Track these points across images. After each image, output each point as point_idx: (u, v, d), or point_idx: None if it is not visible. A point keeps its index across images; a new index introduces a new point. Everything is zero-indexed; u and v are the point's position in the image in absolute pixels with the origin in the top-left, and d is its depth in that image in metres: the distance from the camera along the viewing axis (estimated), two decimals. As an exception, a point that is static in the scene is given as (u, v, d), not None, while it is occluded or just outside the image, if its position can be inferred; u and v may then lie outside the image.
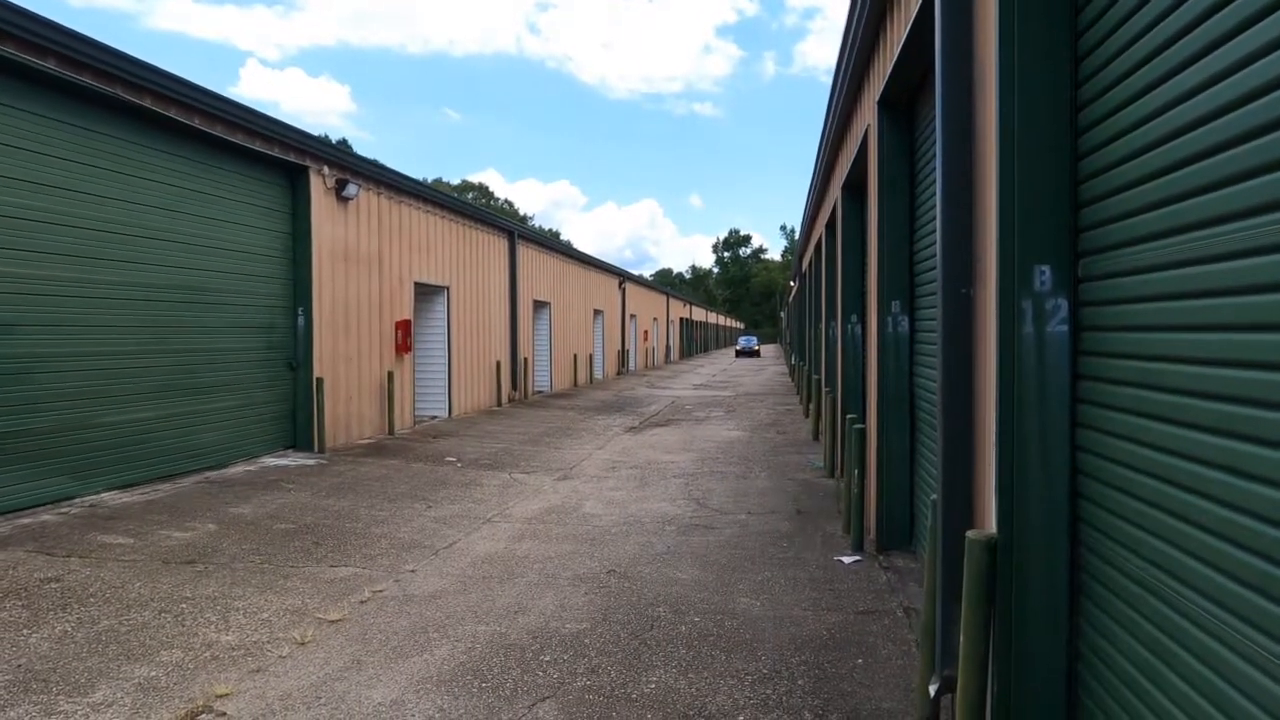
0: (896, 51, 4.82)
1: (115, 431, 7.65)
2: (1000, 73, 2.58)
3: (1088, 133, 2.45)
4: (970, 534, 2.60)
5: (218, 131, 8.69)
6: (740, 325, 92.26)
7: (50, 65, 6.72)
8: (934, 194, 4.83)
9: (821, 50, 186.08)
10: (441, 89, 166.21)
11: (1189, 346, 1.87)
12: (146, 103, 7.70)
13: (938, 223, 3.10)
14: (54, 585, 4.89)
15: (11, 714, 3.31)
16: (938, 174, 3.11)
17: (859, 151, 7.02)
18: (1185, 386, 1.88)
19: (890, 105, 5.68)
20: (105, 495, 7.32)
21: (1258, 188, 1.64)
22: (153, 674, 3.73)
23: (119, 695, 3.51)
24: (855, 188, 8.37)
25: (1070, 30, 2.53)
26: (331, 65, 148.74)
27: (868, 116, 6.35)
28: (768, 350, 65.24)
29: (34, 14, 6.50)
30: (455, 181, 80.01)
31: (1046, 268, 2.54)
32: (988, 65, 2.77)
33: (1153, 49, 2.07)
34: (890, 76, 5.16)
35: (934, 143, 4.69)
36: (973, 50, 3.02)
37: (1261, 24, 1.62)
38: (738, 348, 53.35)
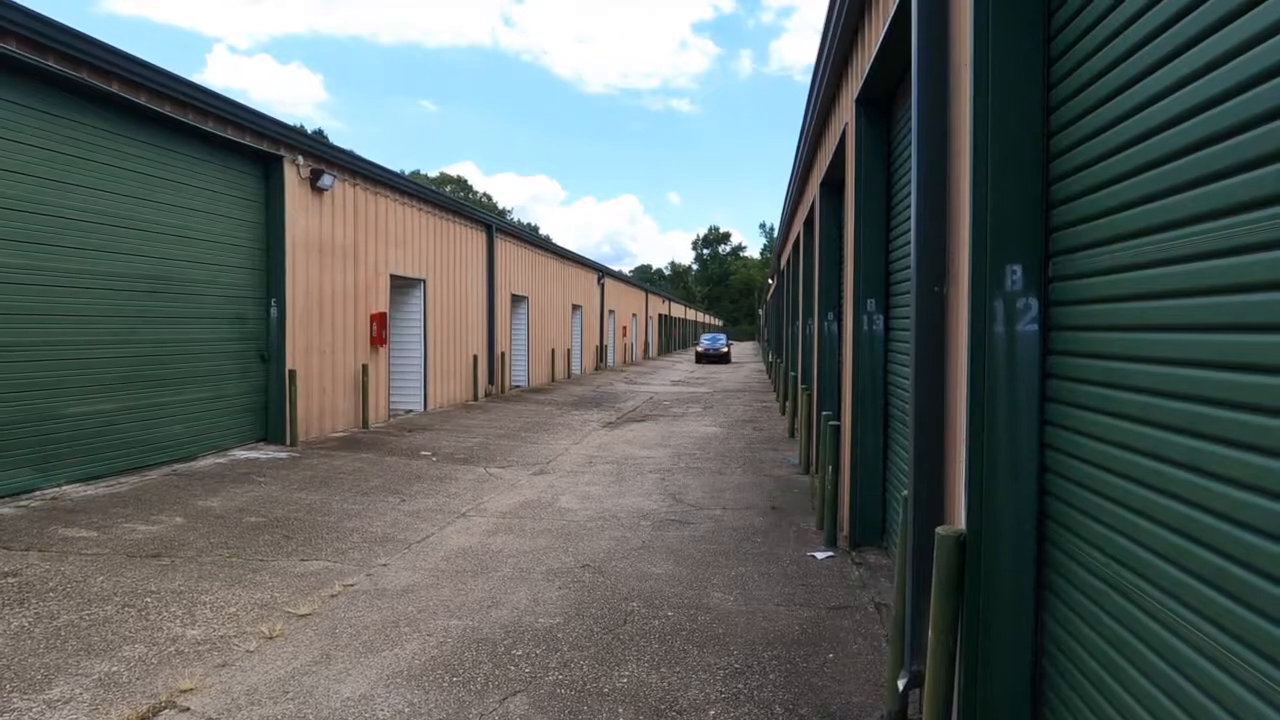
0: (874, 50, 4.84)
1: (79, 423, 7.48)
2: (975, 74, 2.61)
3: (1060, 134, 2.48)
4: (940, 530, 2.63)
5: (188, 119, 8.52)
6: (719, 322, 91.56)
7: (10, 47, 6.53)
8: (910, 193, 4.87)
9: (798, 48, 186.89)
10: (416, 80, 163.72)
11: (1156, 346, 1.90)
12: (114, 88, 7.52)
13: (912, 221, 3.12)
14: (11, 580, 4.76)
15: (-35, 711, 3.23)
16: (913, 173, 3.13)
17: (837, 149, 7.06)
18: (1151, 386, 1.91)
19: (868, 104, 5.71)
20: (68, 488, 7.15)
21: (1227, 189, 1.66)
22: (114, 669, 3.65)
23: (77, 691, 3.44)
24: (833, 185, 8.42)
25: (1043, 32, 2.56)
26: (303, 53, 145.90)
27: (846, 114, 6.38)
28: (743, 350, 60.74)
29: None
30: (433, 174, 79.19)
31: (1018, 267, 2.57)
32: (963, 66, 2.79)
33: (1124, 51, 2.09)
34: (868, 75, 5.18)
35: (910, 142, 4.74)
36: (948, 51, 3.04)
37: (1232, 25, 1.64)
38: (699, 349, 38.39)
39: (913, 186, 3.12)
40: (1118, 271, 2.10)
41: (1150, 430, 1.90)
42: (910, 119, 4.70)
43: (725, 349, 37.94)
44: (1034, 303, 2.55)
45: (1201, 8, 1.76)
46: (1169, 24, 1.89)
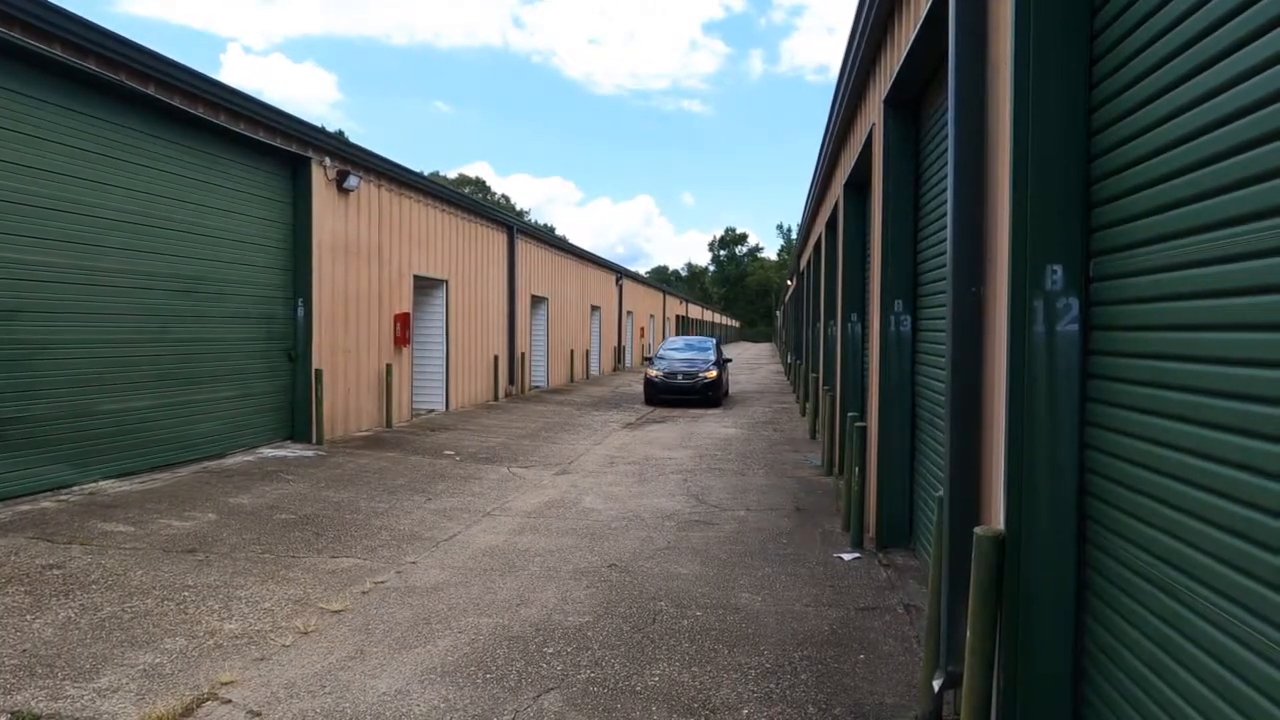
0: (904, 52, 4.83)
1: (114, 420, 7.63)
2: (1015, 74, 2.60)
3: (1102, 134, 2.47)
4: (979, 530, 2.62)
5: (220, 120, 8.65)
6: (735, 323, 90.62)
7: (56, 51, 6.68)
8: (940, 194, 4.86)
9: (810, 48, 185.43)
10: (428, 81, 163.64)
11: (1206, 346, 1.89)
12: (151, 90, 7.66)
13: (949, 221, 3.12)
14: (56, 572, 4.88)
15: (18, 698, 3.31)
16: (949, 174, 3.13)
17: (863, 150, 7.04)
18: (1201, 385, 1.90)
19: (897, 104, 5.70)
20: (104, 483, 7.29)
21: (1275, 189, 1.66)
22: (157, 661, 3.73)
23: (124, 681, 3.51)
24: (858, 187, 8.39)
25: (1086, 32, 2.55)
26: (315, 53, 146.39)
27: (873, 115, 6.36)
28: (760, 352, 57.88)
29: (39, -1, 6.44)
30: (451, 174, 79.67)
31: (1059, 267, 2.56)
32: (1002, 66, 2.79)
33: (1170, 51, 2.09)
34: (897, 76, 5.17)
35: (941, 142, 4.72)
36: (986, 51, 3.04)
37: (1282, 29, 1.64)
38: (652, 373, 17.81)
39: (949, 187, 3.12)
40: (1164, 271, 2.09)
41: (1202, 430, 1.89)
42: (942, 120, 4.69)
43: (711, 371, 17.65)
44: (1075, 303, 2.55)
45: (1252, 9, 1.75)
46: (1219, 24, 1.88)
